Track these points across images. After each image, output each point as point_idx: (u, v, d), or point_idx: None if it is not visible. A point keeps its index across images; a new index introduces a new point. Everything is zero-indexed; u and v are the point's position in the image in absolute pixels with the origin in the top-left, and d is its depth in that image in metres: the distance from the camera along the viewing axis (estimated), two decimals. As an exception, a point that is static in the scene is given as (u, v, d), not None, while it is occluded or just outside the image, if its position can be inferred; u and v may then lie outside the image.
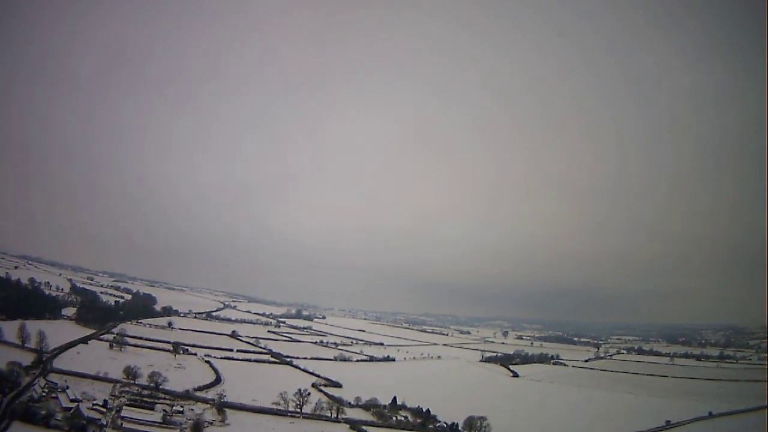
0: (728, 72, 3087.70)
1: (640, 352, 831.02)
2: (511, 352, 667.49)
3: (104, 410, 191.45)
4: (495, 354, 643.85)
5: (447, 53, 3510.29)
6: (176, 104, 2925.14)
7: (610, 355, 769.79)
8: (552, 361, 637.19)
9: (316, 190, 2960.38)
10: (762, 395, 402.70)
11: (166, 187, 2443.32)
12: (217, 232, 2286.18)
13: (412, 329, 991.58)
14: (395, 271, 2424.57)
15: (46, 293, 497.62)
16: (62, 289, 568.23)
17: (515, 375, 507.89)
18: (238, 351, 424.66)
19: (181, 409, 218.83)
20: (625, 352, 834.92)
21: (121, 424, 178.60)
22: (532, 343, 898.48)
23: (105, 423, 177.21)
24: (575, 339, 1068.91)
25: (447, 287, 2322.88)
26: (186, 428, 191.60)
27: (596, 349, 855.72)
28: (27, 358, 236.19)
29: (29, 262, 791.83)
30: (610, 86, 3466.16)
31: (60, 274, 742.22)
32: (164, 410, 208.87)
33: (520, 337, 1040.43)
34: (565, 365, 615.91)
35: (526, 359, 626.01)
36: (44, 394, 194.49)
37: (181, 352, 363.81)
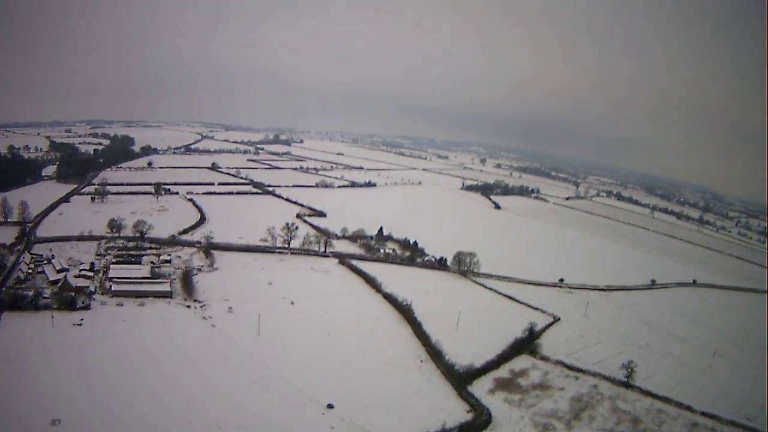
0: None
1: (620, 197, 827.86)
2: (492, 182, 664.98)
3: (91, 274, 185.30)
4: (476, 182, 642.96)
5: None
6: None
7: (591, 196, 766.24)
8: (533, 195, 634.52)
9: (291, 12, 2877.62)
10: (745, 276, 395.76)
11: (135, 19, 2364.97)
12: (191, 62, 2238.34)
13: (390, 152, 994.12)
14: (372, 92, 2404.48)
15: (26, 157, 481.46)
16: (41, 149, 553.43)
17: (497, 207, 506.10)
18: (219, 184, 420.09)
19: (169, 257, 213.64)
20: (604, 195, 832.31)
21: (110, 286, 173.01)
22: (510, 174, 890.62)
23: (93, 289, 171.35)
24: (553, 173, 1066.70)
25: (424, 110, 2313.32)
26: (175, 278, 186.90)
27: (575, 187, 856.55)
28: (11, 234, 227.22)
29: (6, 130, 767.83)
30: None
31: (38, 134, 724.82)
32: (152, 262, 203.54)
33: (498, 166, 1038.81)
34: (545, 200, 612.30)
35: (507, 191, 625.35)
36: (30, 270, 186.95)
37: (163, 192, 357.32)
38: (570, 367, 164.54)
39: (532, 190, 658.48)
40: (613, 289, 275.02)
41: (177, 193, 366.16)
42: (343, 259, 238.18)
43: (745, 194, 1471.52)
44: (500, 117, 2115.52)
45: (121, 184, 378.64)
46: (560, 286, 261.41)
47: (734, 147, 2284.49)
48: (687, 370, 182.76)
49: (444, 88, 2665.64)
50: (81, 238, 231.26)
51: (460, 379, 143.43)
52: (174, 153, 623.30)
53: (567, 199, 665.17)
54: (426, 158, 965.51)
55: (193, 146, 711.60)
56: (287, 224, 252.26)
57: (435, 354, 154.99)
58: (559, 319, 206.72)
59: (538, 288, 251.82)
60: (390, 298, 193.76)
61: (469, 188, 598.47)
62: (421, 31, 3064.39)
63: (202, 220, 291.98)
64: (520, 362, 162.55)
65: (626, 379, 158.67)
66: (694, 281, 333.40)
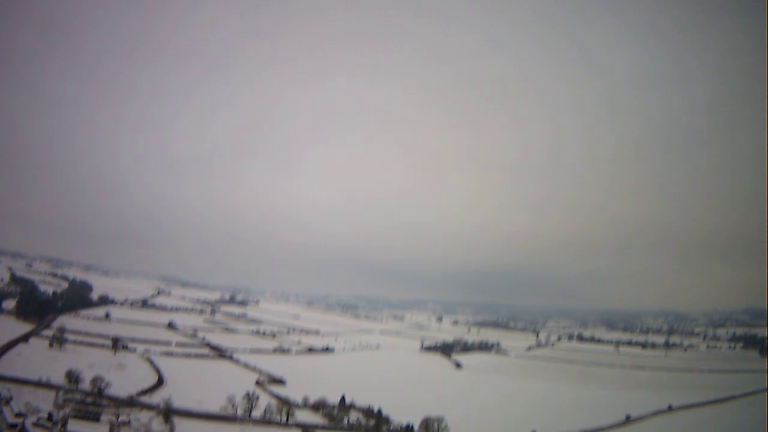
0: (674, 55, 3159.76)
1: (582, 338, 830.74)
2: (451, 340, 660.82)
3: (50, 425, 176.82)
4: (434, 343, 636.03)
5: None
6: (107, 82, 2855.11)
7: (552, 343, 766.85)
8: (493, 350, 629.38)
9: (246, 169, 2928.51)
10: (719, 386, 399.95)
11: (98, 167, 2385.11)
12: (151, 213, 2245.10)
13: (345, 315, 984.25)
14: (326, 251, 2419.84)
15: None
16: (2, 279, 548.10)
17: (458, 366, 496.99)
18: (176, 345, 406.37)
19: (128, 419, 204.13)
20: (566, 339, 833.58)
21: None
22: (469, 330, 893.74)
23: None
24: (511, 324, 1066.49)
25: (378, 268, 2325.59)
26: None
27: (536, 336, 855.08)
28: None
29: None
30: (550, 61, 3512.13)
31: (0, 263, 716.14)
32: (110, 421, 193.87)
33: (455, 322, 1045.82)
34: (507, 354, 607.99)
35: (467, 348, 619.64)
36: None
37: (121, 348, 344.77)
38: None
39: (492, 344, 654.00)
40: None
41: (135, 350, 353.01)
42: (305, 429, 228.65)
43: (708, 306, 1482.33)
44: (454, 271, 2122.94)
45: (79, 333, 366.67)
46: None
47: (693, 262, 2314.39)
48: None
49: (397, 241, 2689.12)
50: (39, 385, 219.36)
51: None
52: (131, 306, 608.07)
53: (528, 349, 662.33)
54: (382, 320, 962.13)
55: (149, 301, 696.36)
56: (248, 394, 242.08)
57: None
58: None
59: None
60: None
61: (428, 349, 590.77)
62: (374, 183, 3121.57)
63: (161, 381, 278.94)
64: None
65: None
66: (670, 406, 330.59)
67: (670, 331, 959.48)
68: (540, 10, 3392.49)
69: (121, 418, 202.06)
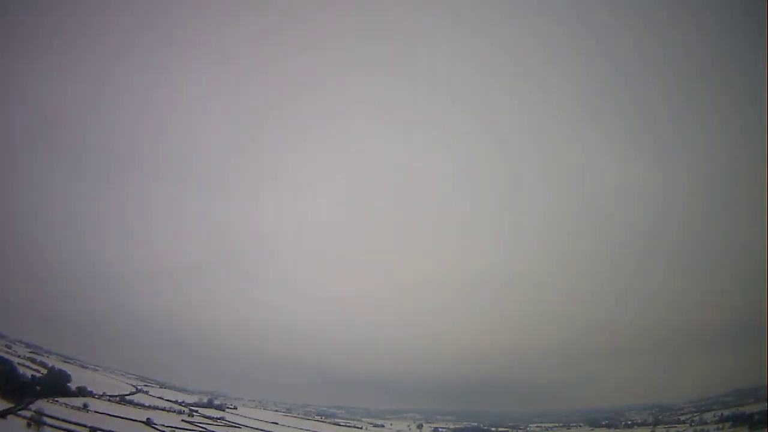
0: (653, 164, 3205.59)
1: None
2: None
3: None
4: None
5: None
6: (97, 188, 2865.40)
7: None
8: None
9: (220, 279, 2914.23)
10: None
11: (86, 264, 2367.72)
12: (133, 314, 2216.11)
13: (325, 422, 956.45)
14: (306, 361, 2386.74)
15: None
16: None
17: None
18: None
19: None
20: None
21: None
22: None
23: None
24: (493, 430, 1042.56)
25: (356, 379, 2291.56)
26: None
27: None
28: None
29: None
30: (516, 159, 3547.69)
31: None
32: None
33: (435, 430, 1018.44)
34: None
35: None
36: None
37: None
38: None
39: None
40: None
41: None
42: None
43: (693, 395, 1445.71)
44: (433, 381, 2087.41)
45: (58, 418, 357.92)
46: None
47: (675, 356, 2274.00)
48: None
49: (376, 352, 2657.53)
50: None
51: None
52: (109, 400, 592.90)
53: None
54: (362, 428, 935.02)
55: (128, 397, 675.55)
56: None
57: None
58: None
59: None
60: None
61: None
62: (353, 299, 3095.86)
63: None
64: None
65: None
66: None
67: (656, 422, 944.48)
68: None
69: None
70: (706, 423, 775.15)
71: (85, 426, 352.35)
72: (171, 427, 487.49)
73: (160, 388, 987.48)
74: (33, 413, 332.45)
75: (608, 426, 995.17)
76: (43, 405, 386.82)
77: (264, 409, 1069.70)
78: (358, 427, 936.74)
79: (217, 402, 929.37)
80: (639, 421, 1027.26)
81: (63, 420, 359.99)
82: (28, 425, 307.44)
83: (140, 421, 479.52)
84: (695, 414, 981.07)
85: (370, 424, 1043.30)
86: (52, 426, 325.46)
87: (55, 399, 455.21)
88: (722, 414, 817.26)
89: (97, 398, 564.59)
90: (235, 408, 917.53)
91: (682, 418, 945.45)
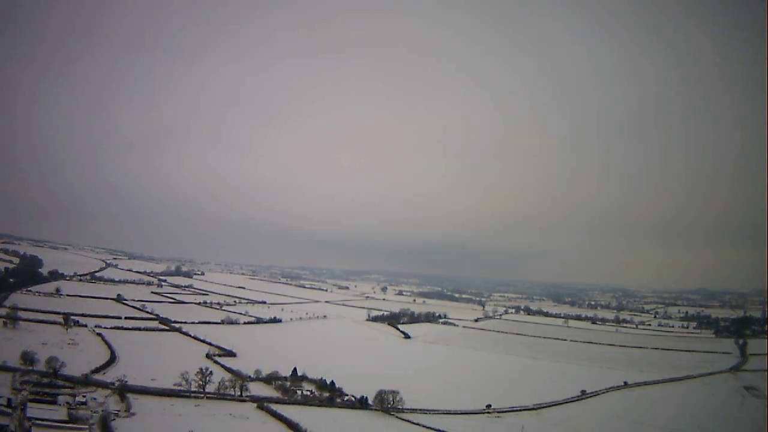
0: (629, 45, 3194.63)
1: (529, 311, 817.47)
2: (397, 311, 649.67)
3: (10, 411, 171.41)
4: (381, 312, 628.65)
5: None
6: (54, 55, 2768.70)
7: (499, 315, 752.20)
8: (440, 321, 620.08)
9: (191, 145, 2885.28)
10: (674, 365, 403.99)
11: (47, 145, 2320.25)
12: (98, 189, 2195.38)
13: (290, 284, 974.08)
14: (269, 224, 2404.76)
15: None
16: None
17: (407, 336, 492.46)
18: (126, 318, 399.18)
19: (84, 399, 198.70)
20: (513, 311, 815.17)
21: (30, 427, 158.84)
22: (414, 300, 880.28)
23: (14, 429, 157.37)
24: (456, 296, 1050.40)
25: (322, 240, 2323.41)
26: (93, 424, 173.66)
27: (482, 308, 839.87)
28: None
29: None
30: (504, 44, 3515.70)
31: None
32: (68, 402, 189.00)
33: (399, 293, 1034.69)
34: (454, 325, 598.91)
35: (414, 318, 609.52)
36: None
37: (72, 324, 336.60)
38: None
39: (439, 315, 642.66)
40: (543, 407, 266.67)
41: (86, 326, 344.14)
42: (260, 403, 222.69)
43: (657, 285, 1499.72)
44: (397, 243, 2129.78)
45: (31, 310, 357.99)
46: (488, 412, 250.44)
47: (642, 244, 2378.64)
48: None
49: (338, 215, 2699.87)
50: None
51: None
52: (80, 280, 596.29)
53: (476, 321, 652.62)
54: (327, 290, 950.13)
55: (97, 274, 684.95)
56: (201, 369, 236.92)
57: None
58: None
59: (467, 417, 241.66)
60: None
61: (375, 319, 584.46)
62: (314, 160, 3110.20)
63: (113, 358, 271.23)
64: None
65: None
66: (626, 383, 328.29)
67: (620, 307, 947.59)
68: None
69: (77, 399, 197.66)
70: (670, 317, 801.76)
71: (58, 313, 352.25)
72: (141, 300, 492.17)
73: (129, 260, 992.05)
74: (8, 310, 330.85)
75: (571, 304, 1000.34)
76: (17, 298, 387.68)
77: (230, 273, 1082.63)
78: (323, 289, 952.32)
79: (184, 269, 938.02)
80: (603, 303, 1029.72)
81: (36, 311, 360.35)
82: (4, 324, 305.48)
83: (111, 299, 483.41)
84: (659, 306, 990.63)
85: (335, 285, 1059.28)
86: (26, 320, 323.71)
87: (28, 289, 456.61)
88: (687, 312, 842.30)
89: (68, 280, 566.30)
90: (202, 273, 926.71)
91: (647, 307, 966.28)
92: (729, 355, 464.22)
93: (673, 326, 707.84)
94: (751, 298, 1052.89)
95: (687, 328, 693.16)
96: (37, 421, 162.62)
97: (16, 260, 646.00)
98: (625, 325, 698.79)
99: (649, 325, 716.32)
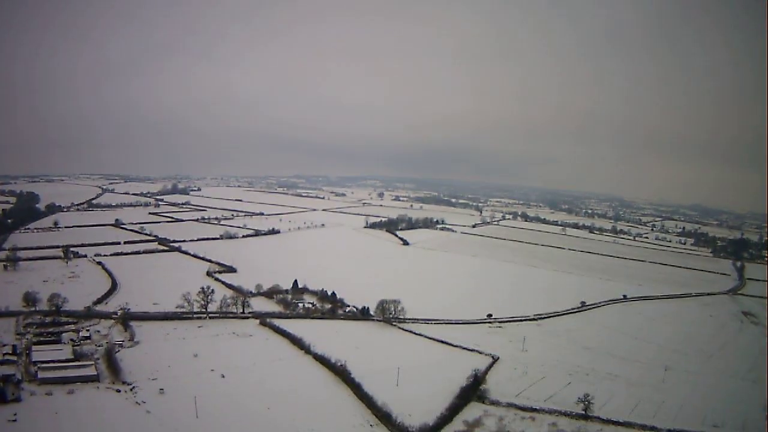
0: None
1: (526, 218, 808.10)
2: (395, 216, 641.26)
3: (15, 358, 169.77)
4: (379, 219, 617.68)
5: None
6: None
7: (497, 221, 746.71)
8: (438, 227, 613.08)
9: (178, 62, 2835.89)
10: (672, 282, 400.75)
11: (31, 73, 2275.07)
12: (87, 113, 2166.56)
13: (287, 194, 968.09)
14: (263, 132, 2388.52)
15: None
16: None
17: (405, 243, 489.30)
18: (125, 243, 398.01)
19: (88, 333, 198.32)
20: (510, 217, 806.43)
21: (36, 372, 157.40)
22: (411, 205, 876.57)
23: (20, 377, 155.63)
24: (453, 200, 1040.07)
25: (316, 147, 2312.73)
26: (99, 358, 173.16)
27: (479, 213, 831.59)
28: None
29: None
30: None
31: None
32: (71, 340, 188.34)
33: (396, 198, 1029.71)
34: (452, 231, 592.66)
35: (412, 224, 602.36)
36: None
37: (72, 256, 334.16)
38: (523, 408, 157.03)
39: (437, 221, 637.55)
40: (544, 317, 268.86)
41: (85, 256, 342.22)
42: (263, 319, 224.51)
43: (654, 197, 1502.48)
44: (393, 148, 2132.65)
45: (31, 248, 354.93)
46: (489, 322, 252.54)
47: (638, 155, 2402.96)
48: (641, 389, 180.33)
49: (333, 122, 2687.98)
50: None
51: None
52: (78, 209, 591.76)
53: (474, 226, 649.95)
54: (324, 197, 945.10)
55: (95, 201, 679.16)
56: (203, 288, 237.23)
57: (384, 417, 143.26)
58: (498, 358, 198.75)
59: (468, 327, 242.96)
60: (322, 360, 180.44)
61: (373, 226, 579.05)
62: (305, 68, 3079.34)
63: (114, 286, 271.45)
64: (471, 411, 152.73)
65: (584, 412, 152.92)
66: (625, 296, 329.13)
67: (617, 218, 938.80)
68: None
69: (81, 334, 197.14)
70: (667, 232, 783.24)
71: (57, 247, 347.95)
72: (139, 223, 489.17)
73: (126, 183, 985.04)
74: (7, 253, 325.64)
75: (567, 211, 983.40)
76: (17, 239, 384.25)
77: (227, 186, 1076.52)
78: (320, 197, 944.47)
79: (180, 186, 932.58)
80: (599, 212, 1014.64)
81: (36, 248, 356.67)
82: (5, 268, 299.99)
83: (110, 225, 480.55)
84: (657, 219, 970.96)
85: (332, 192, 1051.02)
86: (26, 260, 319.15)
87: (26, 227, 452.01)
88: (684, 228, 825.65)
89: (66, 211, 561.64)
90: (199, 189, 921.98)
91: (644, 219, 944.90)
92: (727, 277, 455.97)
93: (670, 241, 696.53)
94: (749, 221, 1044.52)
95: (684, 244, 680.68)
96: (43, 364, 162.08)
97: (13, 200, 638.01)
98: (622, 236, 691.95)
99: (647, 237, 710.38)
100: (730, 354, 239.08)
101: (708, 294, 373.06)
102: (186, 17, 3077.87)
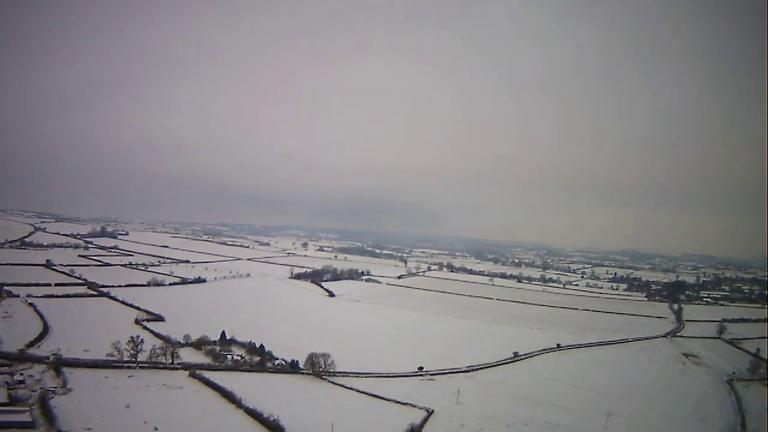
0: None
1: (452, 268, 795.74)
2: (320, 267, 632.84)
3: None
4: (304, 270, 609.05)
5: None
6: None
7: (422, 272, 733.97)
8: (363, 278, 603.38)
9: (114, 100, 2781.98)
10: (607, 328, 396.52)
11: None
12: (24, 149, 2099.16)
13: (212, 242, 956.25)
14: (195, 176, 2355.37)
15: None
16: None
17: (331, 294, 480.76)
18: (56, 285, 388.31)
19: (22, 377, 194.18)
20: (436, 267, 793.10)
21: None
22: (335, 256, 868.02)
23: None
24: (377, 251, 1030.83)
25: (243, 195, 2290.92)
26: (33, 404, 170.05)
27: (404, 264, 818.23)
28: None
29: None
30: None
31: None
32: (6, 383, 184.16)
33: (320, 248, 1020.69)
34: (378, 282, 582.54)
35: (337, 276, 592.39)
36: None
37: (5, 295, 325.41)
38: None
39: (362, 272, 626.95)
40: (476, 369, 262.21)
41: (18, 296, 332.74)
42: (192, 371, 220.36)
43: (583, 244, 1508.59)
44: (316, 198, 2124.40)
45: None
46: (421, 375, 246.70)
47: (568, 202, 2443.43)
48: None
49: (257, 170, 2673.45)
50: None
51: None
52: (11, 246, 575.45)
53: (399, 278, 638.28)
54: (249, 246, 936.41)
55: (27, 239, 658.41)
56: (132, 338, 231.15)
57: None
58: (433, 411, 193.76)
59: (399, 380, 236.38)
60: (255, 414, 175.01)
61: (299, 276, 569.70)
62: (240, 112, 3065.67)
63: (46, 330, 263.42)
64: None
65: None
66: (559, 345, 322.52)
67: (545, 266, 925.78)
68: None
69: (15, 378, 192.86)
70: (598, 278, 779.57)
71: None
72: (69, 265, 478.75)
73: (57, 222, 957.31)
74: None
75: (494, 261, 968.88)
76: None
77: (153, 231, 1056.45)
78: (245, 246, 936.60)
79: (109, 229, 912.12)
80: (526, 261, 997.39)
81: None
82: None
83: (41, 265, 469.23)
84: (586, 266, 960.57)
85: (256, 242, 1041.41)
86: None
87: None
88: (615, 273, 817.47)
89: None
90: (127, 234, 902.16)
91: (573, 267, 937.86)
92: (664, 320, 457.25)
93: (601, 287, 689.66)
94: (683, 262, 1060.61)
95: (617, 290, 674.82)
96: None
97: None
98: (552, 284, 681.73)
99: (577, 285, 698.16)
100: (674, 396, 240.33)
101: (645, 338, 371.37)
102: (126, 56, 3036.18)
